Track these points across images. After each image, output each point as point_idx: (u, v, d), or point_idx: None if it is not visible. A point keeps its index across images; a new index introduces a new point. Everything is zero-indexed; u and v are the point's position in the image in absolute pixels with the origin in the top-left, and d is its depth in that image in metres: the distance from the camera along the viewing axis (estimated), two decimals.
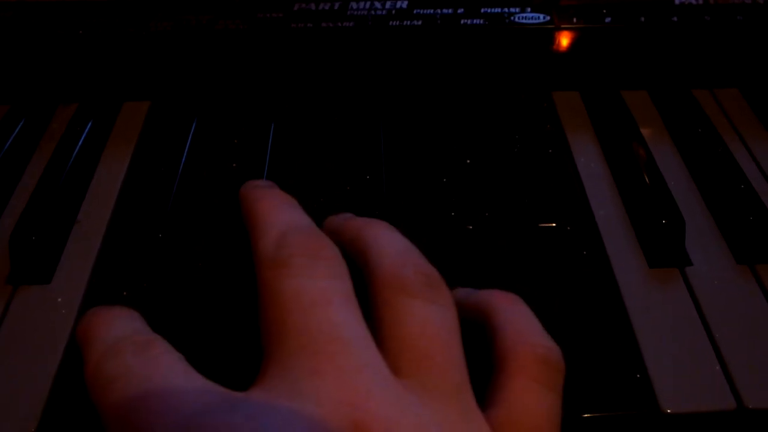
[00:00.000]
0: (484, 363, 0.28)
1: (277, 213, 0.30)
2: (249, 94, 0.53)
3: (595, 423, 0.34)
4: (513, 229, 0.43)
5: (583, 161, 0.48)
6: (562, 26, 0.53)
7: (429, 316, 0.25)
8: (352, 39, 0.53)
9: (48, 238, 0.41)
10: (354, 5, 0.54)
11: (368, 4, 0.54)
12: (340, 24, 0.52)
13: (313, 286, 0.25)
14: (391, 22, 0.52)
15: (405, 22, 0.53)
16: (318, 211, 0.43)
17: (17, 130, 0.50)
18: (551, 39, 0.54)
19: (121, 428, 0.23)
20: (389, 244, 0.28)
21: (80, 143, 0.48)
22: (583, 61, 0.55)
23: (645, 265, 0.41)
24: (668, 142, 0.51)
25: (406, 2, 0.54)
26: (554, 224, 0.43)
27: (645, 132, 0.51)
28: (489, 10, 0.53)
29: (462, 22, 0.53)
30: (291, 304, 0.24)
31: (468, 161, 0.47)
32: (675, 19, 0.53)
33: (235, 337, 0.37)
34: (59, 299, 0.39)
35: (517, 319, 0.28)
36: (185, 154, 0.48)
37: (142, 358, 0.25)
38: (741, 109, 0.54)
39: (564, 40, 0.54)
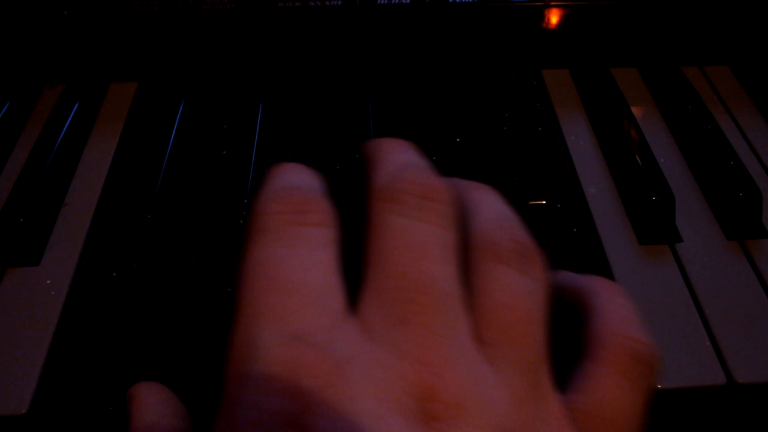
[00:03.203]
0: (570, 348, 0.27)
1: (398, 152, 0.29)
2: (237, 73, 0.53)
3: None
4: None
5: (573, 139, 0.48)
6: (552, 3, 0.53)
7: (517, 286, 0.24)
8: (340, 17, 0.52)
9: (36, 220, 0.41)
10: None
11: None
12: (327, 2, 0.52)
13: (420, 231, 0.24)
14: (379, 1, 0.52)
15: (393, 0, 0.52)
16: None
17: (2, 112, 0.50)
18: (541, 16, 0.53)
19: (239, 293, 0.23)
20: (490, 209, 0.27)
21: (67, 124, 0.48)
22: (573, 38, 0.54)
23: (635, 242, 0.42)
24: (658, 119, 0.51)
25: None
26: (544, 201, 0.43)
27: (635, 109, 0.51)
28: None
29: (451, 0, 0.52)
30: (396, 242, 0.24)
31: (458, 139, 0.47)
32: None
33: (224, 318, 0.37)
34: (48, 281, 0.39)
35: (617, 309, 0.27)
36: (173, 134, 0.47)
37: (297, 221, 0.24)
38: (731, 85, 0.54)
39: (554, 18, 0.53)
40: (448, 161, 0.45)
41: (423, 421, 0.20)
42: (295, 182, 0.26)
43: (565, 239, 0.41)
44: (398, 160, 0.27)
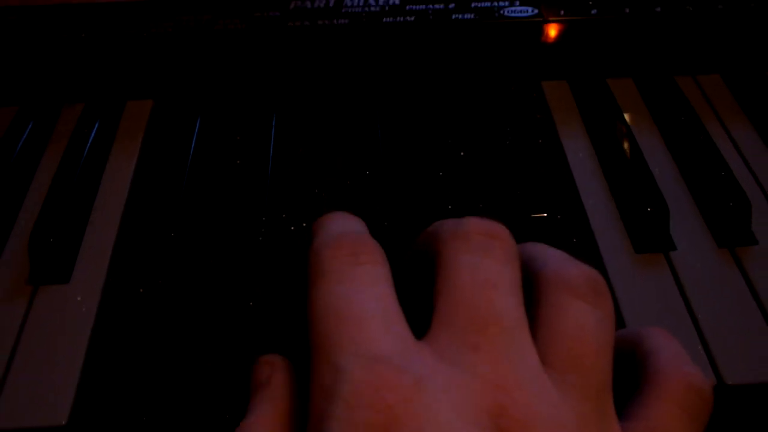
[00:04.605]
0: (625, 386, 0.29)
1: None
2: (250, 92, 0.55)
3: None
4: (507, 219, 0.44)
5: (572, 150, 0.51)
6: (550, 19, 0.55)
7: (588, 319, 0.26)
8: (347, 36, 0.54)
9: (65, 239, 0.43)
10: (348, 2, 0.55)
11: (362, 0, 0.55)
12: (335, 21, 0.54)
13: (487, 267, 0.26)
14: (384, 19, 0.54)
15: (398, 18, 0.54)
16: (320, 206, 0.46)
17: (27, 131, 0.52)
18: (540, 31, 0.56)
19: (314, 328, 0.25)
20: (552, 251, 0.30)
21: (89, 143, 0.50)
22: (571, 51, 0.57)
23: (631, 251, 0.44)
24: (652, 128, 0.53)
25: None
26: (545, 214, 0.45)
27: (630, 119, 0.53)
28: (479, 5, 0.55)
29: (453, 17, 0.54)
30: (466, 277, 0.26)
31: (462, 154, 0.49)
32: (658, 9, 0.55)
33: (248, 331, 0.39)
34: (78, 297, 0.41)
35: (672, 348, 0.29)
36: (191, 151, 0.50)
37: (353, 261, 0.27)
38: (722, 94, 0.56)
39: (552, 32, 0.56)
40: (452, 176, 0.47)
41: None
42: (346, 228, 0.29)
43: (564, 249, 0.43)
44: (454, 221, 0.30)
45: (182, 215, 0.45)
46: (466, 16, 0.54)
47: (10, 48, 0.54)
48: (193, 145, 0.50)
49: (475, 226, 0.28)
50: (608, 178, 0.48)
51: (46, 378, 0.37)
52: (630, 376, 0.29)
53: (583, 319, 0.26)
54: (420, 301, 0.28)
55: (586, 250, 0.44)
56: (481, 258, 0.27)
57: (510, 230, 0.30)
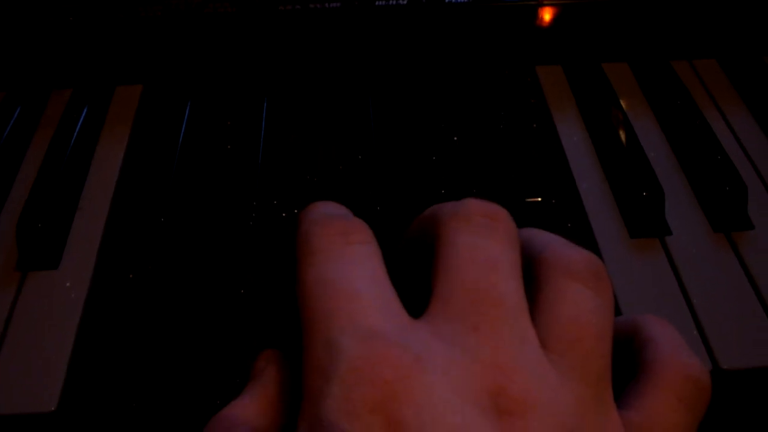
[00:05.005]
0: (622, 375, 0.28)
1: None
2: (241, 76, 0.54)
3: None
4: (501, 204, 0.44)
5: (566, 135, 0.50)
6: (545, 2, 0.55)
7: (588, 303, 0.26)
8: (339, 19, 0.54)
9: (53, 225, 0.43)
10: None
11: None
12: (327, 5, 0.53)
13: (489, 247, 0.26)
14: (377, 2, 0.54)
15: (391, 1, 0.54)
16: (313, 192, 0.45)
17: (14, 117, 0.51)
18: (534, 15, 0.55)
19: (306, 305, 0.25)
20: (554, 237, 0.30)
21: (77, 129, 0.50)
22: (566, 35, 0.56)
23: (627, 236, 0.44)
24: (648, 113, 0.53)
25: None
26: (540, 198, 0.45)
27: (625, 104, 0.53)
28: None
29: (447, 0, 0.54)
30: (466, 258, 0.26)
31: (455, 138, 0.49)
32: None
33: (239, 318, 0.39)
34: (68, 283, 0.41)
35: (670, 337, 0.29)
36: (181, 137, 0.49)
37: (343, 241, 0.26)
38: (718, 79, 0.56)
39: (547, 16, 0.55)
40: (446, 160, 0.47)
41: (495, 413, 0.22)
42: (334, 211, 0.28)
43: (559, 234, 0.43)
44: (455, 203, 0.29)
45: (172, 201, 0.44)
46: None
47: None
48: (183, 130, 0.50)
49: (476, 207, 0.28)
50: (603, 162, 0.48)
51: (35, 364, 0.37)
52: (627, 364, 0.29)
53: (583, 303, 0.26)
54: (413, 291, 0.28)
55: (581, 235, 0.43)
56: (483, 239, 0.26)
57: None
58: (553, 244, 0.28)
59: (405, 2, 0.54)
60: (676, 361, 0.28)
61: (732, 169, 0.46)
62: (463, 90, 0.53)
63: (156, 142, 0.49)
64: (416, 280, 0.28)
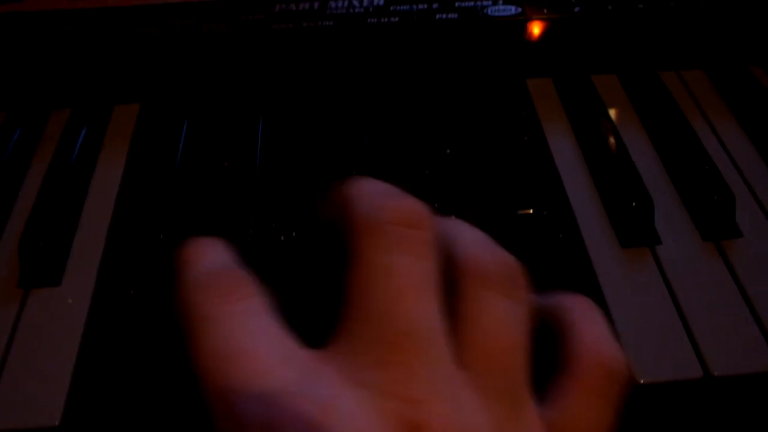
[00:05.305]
0: (548, 359, 0.28)
1: (369, 184, 0.29)
2: (237, 94, 0.55)
3: None
4: (493, 217, 0.45)
5: (557, 147, 0.51)
6: (533, 17, 0.56)
7: (503, 313, 0.25)
8: (332, 37, 0.55)
9: (55, 243, 0.44)
10: (333, 4, 0.56)
11: (347, 2, 0.56)
12: (320, 23, 0.54)
13: (403, 266, 0.25)
14: (369, 20, 0.55)
15: (382, 19, 0.55)
16: (307, 207, 0.46)
17: (15, 137, 0.52)
18: (523, 30, 0.56)
19: (202, 378, 0.24)
20: (472, 236, 0.28)
21: (77, 148, 0.50)
22: (555, 49, 0.57)
23: (617, 245, 0.44)
24: (636, 124, 0.54)
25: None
26: (531, 210, 0.46)
27: (614, 115, 0.54)
28: (462, 5, 0.56)
29: (437, 17, 0.55)
30: (375, 281, 0.24)
31: (448, 151, 0.50)
32: (641, 6, 0.56)
33: None
34: (69, 300, 0.42)
35: (588, 325, 0.28)
36: (179, 154, 0.50)
37: (222, 302, 0.25)
38: (706, 89, 0.57)
39: (535, 30, 0.56)
40: (439, 174, 0.48)
41: None
42: (211, 263, 0.27)
43: (551, 245, 0.44)
44: (373, 190, 0.28)
45: (171, 217, 0.45)
46: (449, 15, 0.55)
47: None
48: (180, 148, 0.50)
49: (390, 214, 0.26)
50: (593, 173, 0.49)
51: (39, 380, 0.38)
52: (554, 350, 0.28)
53: (496, 314, 0.25)
54: (328, 273, 0.27)
55: (572, 246, 0.44)
56: (397, 256, 0.25)
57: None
58: (470, 249, 0.27)
59: (396, 20, 0.55)
60: (597, 356, 0.27)
61: (720, 178, 0.47)
62: (454, 104, 0.54)
63: (154, 159, 0.50)
64: (331, 264, 0.27)
